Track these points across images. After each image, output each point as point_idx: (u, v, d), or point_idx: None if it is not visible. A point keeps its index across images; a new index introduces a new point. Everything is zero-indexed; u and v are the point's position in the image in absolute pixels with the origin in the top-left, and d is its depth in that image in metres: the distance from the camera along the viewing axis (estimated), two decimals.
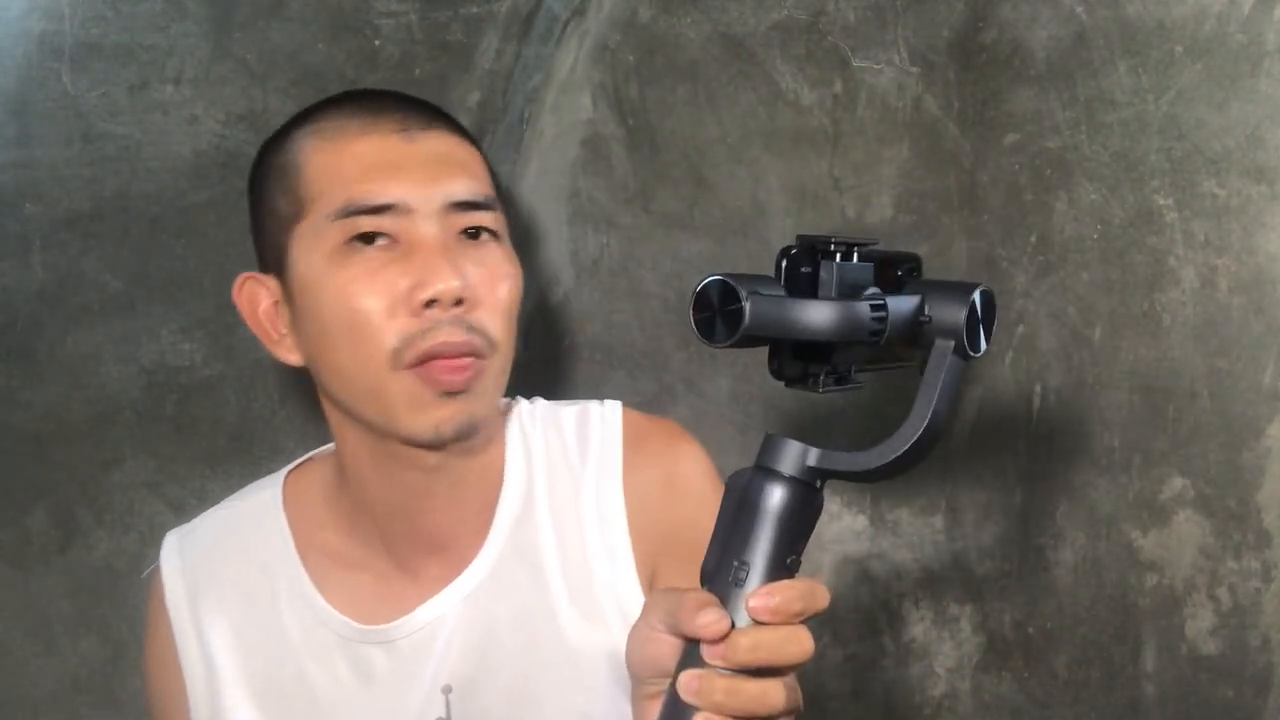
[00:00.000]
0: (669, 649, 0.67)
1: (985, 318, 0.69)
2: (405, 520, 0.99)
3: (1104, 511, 1.22)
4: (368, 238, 0.92)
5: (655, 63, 1.38)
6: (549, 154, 1.44)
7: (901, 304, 0.67)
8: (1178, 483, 1.19)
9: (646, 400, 1.41)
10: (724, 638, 0.63)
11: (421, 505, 0.98)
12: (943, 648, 1.31)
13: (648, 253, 1.41)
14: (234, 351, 1.29)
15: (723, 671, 0.63)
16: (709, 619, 0.63)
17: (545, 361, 1.47)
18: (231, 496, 1.09)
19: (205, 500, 1.12)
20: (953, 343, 0.67)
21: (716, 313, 0.63)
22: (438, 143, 0.97)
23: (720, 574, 0.65)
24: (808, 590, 0.64)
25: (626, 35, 1.39)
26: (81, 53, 1.20)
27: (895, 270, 0.70)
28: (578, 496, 1.02)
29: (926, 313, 0.67)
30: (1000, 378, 1.26)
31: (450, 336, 0.91)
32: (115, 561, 1.27)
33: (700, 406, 1.39)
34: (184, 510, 1.25)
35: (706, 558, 0.66)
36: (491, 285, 0.95)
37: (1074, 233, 1.21)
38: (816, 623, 0.65)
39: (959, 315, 0.67)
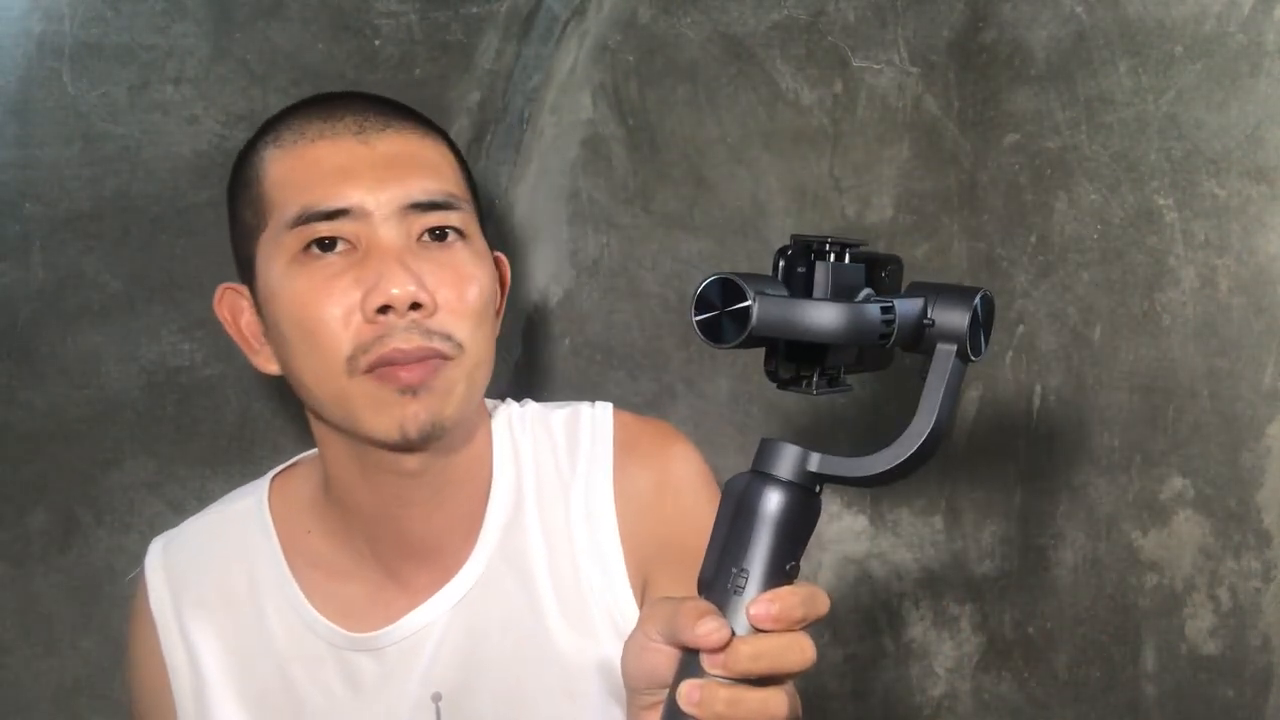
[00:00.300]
0: (666, 659, 0.66)
1: (986, 322, 0.69)
2: (391, 526, 0.98)
3: (1104, 511, 1.22)
4: (326, 244, 0.91)
5: (655, 63, 1.38)
6: (549, 154, 1.44)
7: (905, 307, 0.67)
8: (1178, 483, 1.19)
9: (646, 400, 1.41)
10: (725, 647, 0.63)
11: (406, 511, 0.98)
12: (943, 648, 1.31)
13: (648, 253, 1.41)
14: (234, 351, 1.27)
15: (723, 681, 0.63)
16: (709, 628, 0.62)
17: (545, 361, 1.46)
18: (216, 502, 1.08)
19: (205, 500, 1.12)
20: (955, 346, 0.67)
21: (721, 313, 0.63)
22: (396, 143, 0.95)
23: (719, 581, 0.64)
24: (808, 596, 0.64)
25: (626, 35, 1.39)
26: (81, 53, 1.20)
27: (880, 271, 0.70)
28: (567, 501, 1.01)
29: (930, 316, 0.67)
30: (1000, 378, 1.26)
31: (404, 343, 0.89)
32: (115, 561, 1.27)
33: (700, 407, 1.39)
34: (184, 510, 1.24)
35: (704, 565, 0.66)
36: (457, 288, 0.93)
37: (1074, 233, 1.21)
38: (816, 624, 0.65)
39: (963, 320, 0.67)
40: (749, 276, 0.63)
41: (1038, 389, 1.25)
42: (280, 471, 1.08)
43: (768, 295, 0.62)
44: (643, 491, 1.01)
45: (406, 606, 0.99)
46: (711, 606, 0.64)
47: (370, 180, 0.92)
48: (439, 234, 0.94)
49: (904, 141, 1.28)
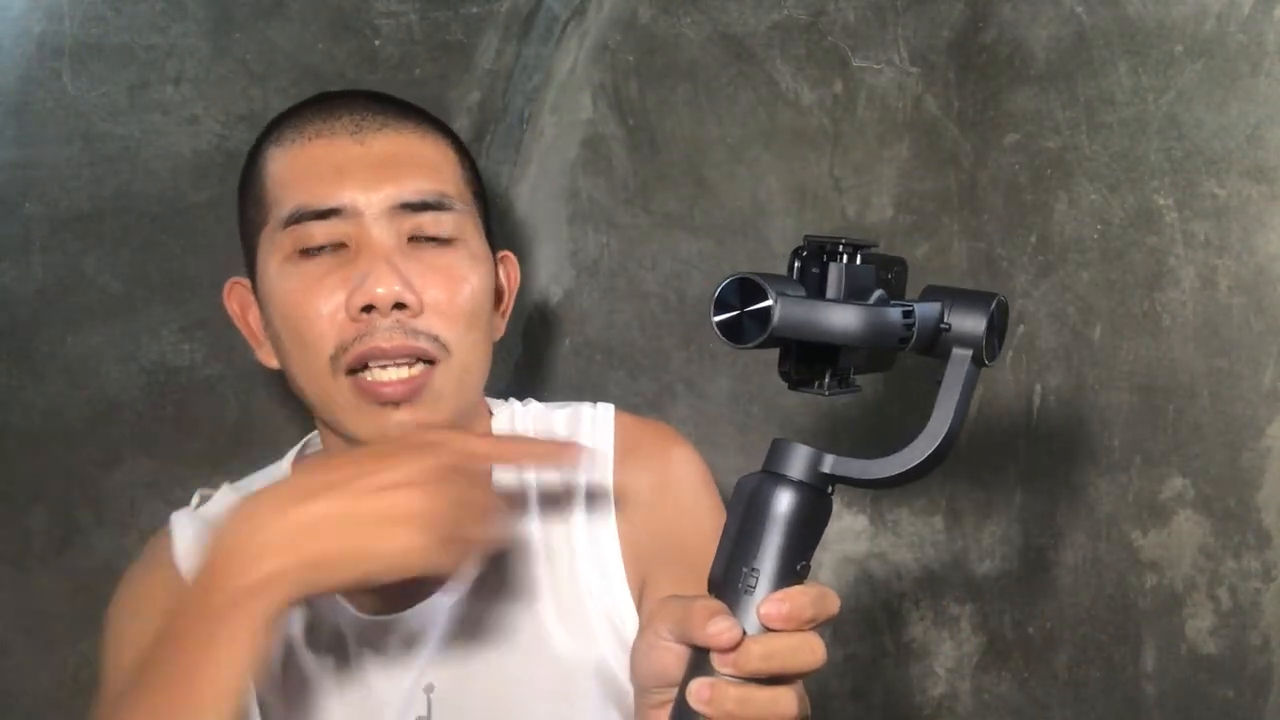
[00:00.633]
0: (675, 658, 0.67)
1: (1000, 327, 0.69)
2: None
3: (1104, 511, 1.23)
4: (314, 253, 0.92)
5: (655, 63, 1.38)
6: (549, 154, 1.44)
7: (924, 311, 0.67)
8: (1178, 483, 1.20)
9: (647, 400, 1.41)
10: (736, 646, 0.63)
11: None
12: (943, 648, 1.32)
13: (648, 253, 1.41)
14: (234, 351, 1.28)
15: (733, 680, 0.63)
16: (720, 627, 0.63)
17: (545, 361, 1.46)
18: (238, 482, 1.08)
19: None
20: (971, 351, 0.67)
21: (742, 313, 0.63)
22: (392, 142, 0.96)
23: (729, 581, 0.64)
24: (819, 596, 0.64)
25: (626, 35, 1.39)
26: (81, 53, 1.20)
27: (887, 273, 0.70)
28: (568, 501, 1.01)
29: (946, 321, 0.68)
30: (1000, 378, 1.26)
31: (385, 342, 0.90)
32: (115, 561, 1.26)
33: (700, 407, 1.39)
34: None
35: (714, 565, 0.66)
36: (447, 289, 0.93)
37: (1074, 233, 1.21)
38: (826, 624, 0.65)
39: (979, 325, 0.67)
40: (769, 277, 0.63)
41: (1038, 389, 1.25)
42: (299, 453, 1.08)
43: (788, 296, 0.62)
44: (643, 493, 1.01)
45: (408, 600, 0.98)
46: (722, 606, 0.64)
47: (363, 180, 0.93)
48: (431, 234, 0.95)
49: (904, 141, 1.28)
